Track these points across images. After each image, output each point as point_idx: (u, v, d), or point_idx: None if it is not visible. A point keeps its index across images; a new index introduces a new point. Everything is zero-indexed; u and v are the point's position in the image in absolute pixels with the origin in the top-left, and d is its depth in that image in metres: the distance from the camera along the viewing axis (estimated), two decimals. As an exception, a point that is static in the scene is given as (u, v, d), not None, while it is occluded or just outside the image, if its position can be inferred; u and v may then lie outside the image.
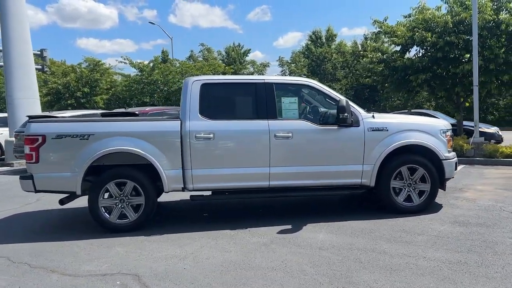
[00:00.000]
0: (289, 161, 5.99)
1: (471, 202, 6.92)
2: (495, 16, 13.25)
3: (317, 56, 48.72)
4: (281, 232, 5.54)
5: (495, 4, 13.67)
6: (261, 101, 6.04)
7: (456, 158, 6.57)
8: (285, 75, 54.24)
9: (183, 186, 5.88)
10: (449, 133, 6.55)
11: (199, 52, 43.46)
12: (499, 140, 17.13)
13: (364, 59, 18.42)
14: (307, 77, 46.51)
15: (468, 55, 14.41)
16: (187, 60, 39.72)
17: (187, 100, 5.94)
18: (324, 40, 52.56)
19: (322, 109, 6.72)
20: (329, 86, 46.29)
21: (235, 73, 27.54)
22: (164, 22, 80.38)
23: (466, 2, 14.04)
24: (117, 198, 5.76)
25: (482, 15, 13.06)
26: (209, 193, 6.18)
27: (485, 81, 13.74)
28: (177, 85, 23.62)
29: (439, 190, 6.42)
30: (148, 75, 24.32)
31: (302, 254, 4.67)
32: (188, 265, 4.44)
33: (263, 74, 50.99)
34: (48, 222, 6.59)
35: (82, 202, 6.64)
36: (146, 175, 5.82)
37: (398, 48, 16.06)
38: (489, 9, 13.20)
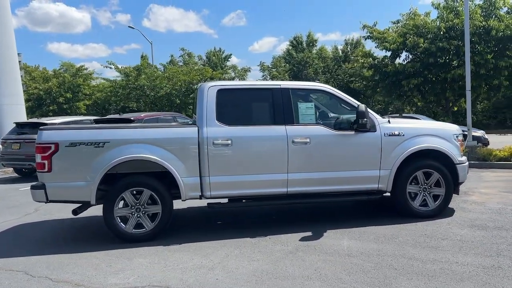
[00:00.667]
0: (307, 167, 5.93)
1: (481, 206, 6.98)
2: (485, 23, 13.57)
3: (298, 61, 49.15)
4: (303, 239, 5.47)
5: (484, 11, 14.00)
6: (278, 107, 5.97)
7: (467, 162, 6.62)
8: (267, 80, 54.49)
9: (200, 194, 5.75)
10: (460, 137, 6.61)
11: (179, 56, 43.05)
12: (486, 143, 17.48)
13: (355, 64, 18.55)
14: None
15: (456, 61, 14.72)
16: (168, 64, 39.39)
17: (204, 106, 5.82)
18: (305, 45, 52.93)
19: (332, 114, 6.70)
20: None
21: (220, 78, 27.38)
22: (138, 27, 79.00)
23: (458, 8, 14.34)
24: (133, 207, 5.59)
25: (472, 21, 13.36)
26: (225, 200, 6.07)
27: (475, 86, 14.06)
28: (164, 90, 23.33)
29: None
30: (134, 80, 23.96)
31: (332, 261, 4.61)
32: (220, 276, 4.32)
33: (244, 79, 51.14)
34: (57, 233, 6.36)
35: (87, 211, 6.44)
36: (162, 183, 5.68)
37: (388, 53, 16.26)
38: (479, 15, 13.51)
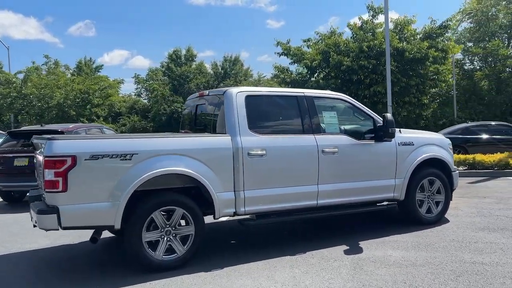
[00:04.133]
0: (335, 177, 5.75)
1: (458, 211, 7.47)
2: (400, 45, 15.00)
3: (178, 75, 48.65)
4: (347, 253, 5.25)
5: (397, 34, 15.47)
6: (305, 115, 5.71)
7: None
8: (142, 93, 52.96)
9: (234, 210, 5.17)
10: (451, 146, 7.07)
11: (43, 64, 39.05)
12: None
13: (276, 79, 18.91)
14: (171, 95, 46.07)
15: (368, 80, 15.96)
16: (30, 72, 35.59)
17: (234, 113, 5.27)
18: (183, 60, 52.46)
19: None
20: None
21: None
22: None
23: (374, 30, 15.58)
24: (162, 230, 4.78)
25: (390, 43, 14.66)
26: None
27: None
28: (56, 100, 20.85)
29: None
30: (20, 88, 20.96)
31: (409, 273, 4.47)
32: (319, 299, 3.88)
33: (117, 90, 48.84)
34: (46, 267, 5.14)
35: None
36: (194, 200, 4.99)
37: (302, 69, 16.94)
38: (396, 38, 14.89)
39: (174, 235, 4.84)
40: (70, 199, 4.37)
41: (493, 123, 16.75)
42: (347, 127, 6.30)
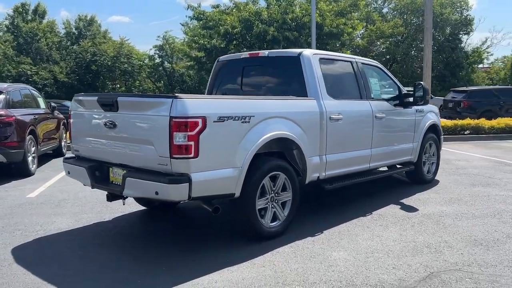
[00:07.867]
0: (381, 141, 6.09)
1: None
2: (318, 19, 15.76)
3: (25, 33, 43.13)
4: (408, 210, 5.67)
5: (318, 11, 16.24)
6: (360, 81, 5.88)
7: (441, 135, 8.05)
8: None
9: (318, 175, 5.16)
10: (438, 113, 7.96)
11: None
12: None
13: (194, 44, 17.96)
14: (16, 56, 40.53)
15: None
16: None
17: (315, 76, 5.17)
18: (30, 16, 46.36)
19: None
20: (45, 68, 40.84)
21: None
22: None
23: (292, 1, 16.03)
24: (268, 197, 4.56)
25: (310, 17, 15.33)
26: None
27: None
28: None
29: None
30: None
31: (486, 223, 5.06)
32: (458, 250, 4.23)
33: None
34: (117, 244, 4.45)
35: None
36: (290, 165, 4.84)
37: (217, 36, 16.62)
38: (317, 14, 15.60)
39: (276, 201, 4.65)
40: (200, 166, 3.87)
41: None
42: (382, 93, 6.67)
